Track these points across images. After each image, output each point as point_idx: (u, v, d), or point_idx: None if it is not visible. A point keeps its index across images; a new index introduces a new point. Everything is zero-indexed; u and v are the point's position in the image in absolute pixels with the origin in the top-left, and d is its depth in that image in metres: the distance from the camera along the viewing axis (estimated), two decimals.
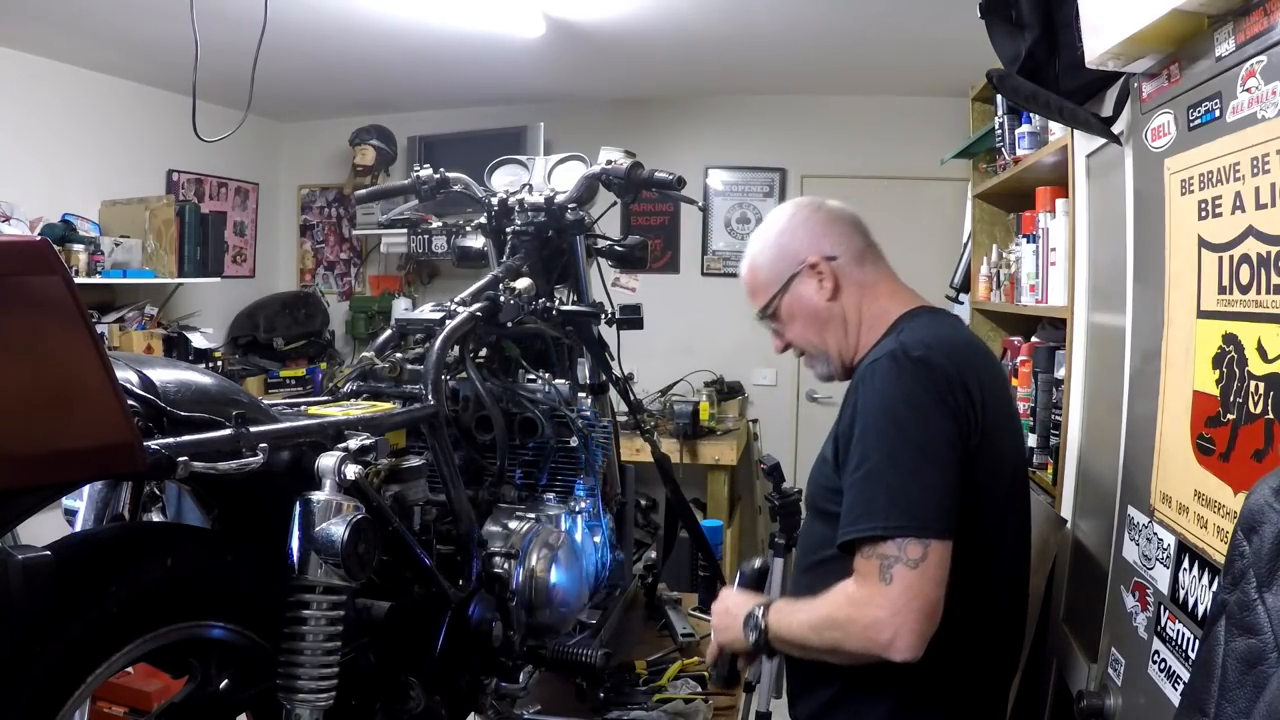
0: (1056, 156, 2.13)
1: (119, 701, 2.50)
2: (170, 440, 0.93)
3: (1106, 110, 1.62)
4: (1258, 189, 1.05)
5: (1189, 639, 1.18)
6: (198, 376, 1.08)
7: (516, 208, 1.95)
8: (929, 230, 4.50)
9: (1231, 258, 1.11)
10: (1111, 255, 1.66)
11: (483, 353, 1.82)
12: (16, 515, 0.82)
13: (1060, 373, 2.12)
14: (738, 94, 4.82)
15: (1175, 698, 1.20)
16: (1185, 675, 1.16)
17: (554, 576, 1.60)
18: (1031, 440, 2.29)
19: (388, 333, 1.65)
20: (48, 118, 3.84)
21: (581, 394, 1.95)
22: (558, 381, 1.82)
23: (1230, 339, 1.11)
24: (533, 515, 1.66)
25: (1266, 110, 1.03)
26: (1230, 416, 1.11)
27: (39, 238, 0.78)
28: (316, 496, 1.09)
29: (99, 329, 3.50)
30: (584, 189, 1.94)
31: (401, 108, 4.92)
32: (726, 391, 4.66)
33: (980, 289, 3.10)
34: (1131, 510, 1.42)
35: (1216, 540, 1.12)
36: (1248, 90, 1.07)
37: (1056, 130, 2.20)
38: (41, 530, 1.04)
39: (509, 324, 1.71)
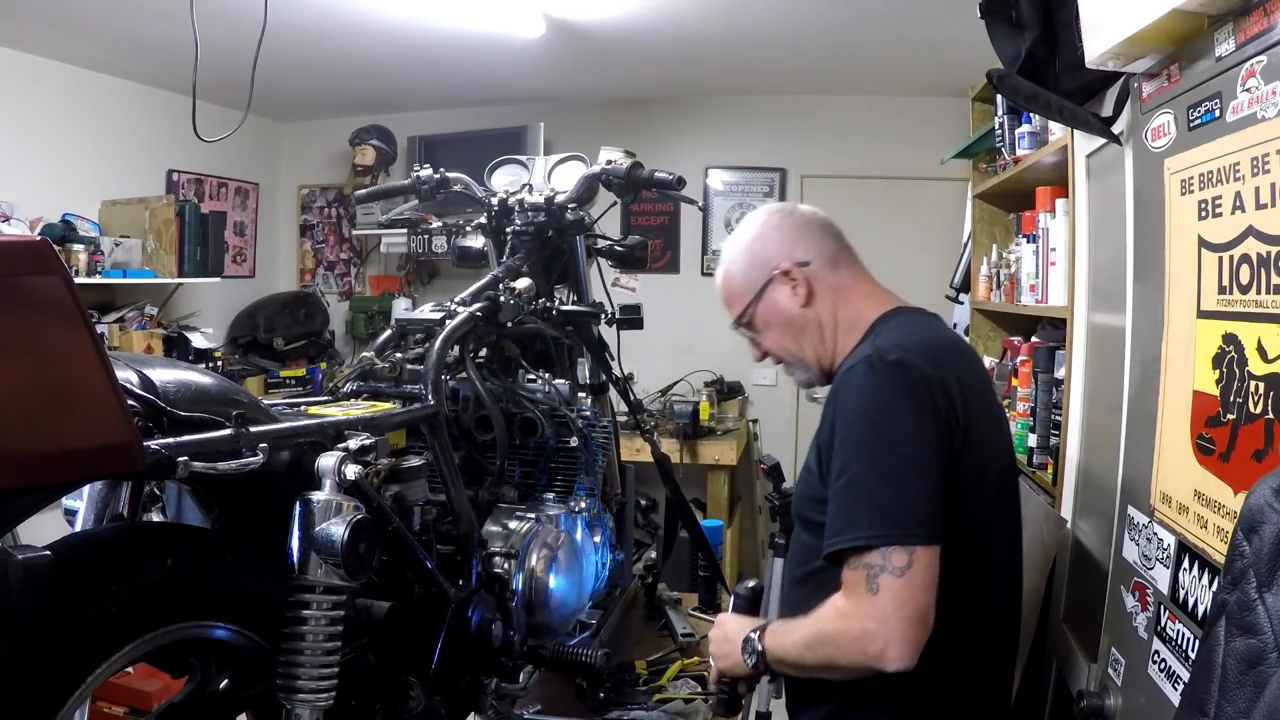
0: (1056, 156, 2.14)
1: (119, 701, 2.50)
2: (170, 440, 0.93)
3: (1106, 110, 1.62)
4: (1258, 189, 1.05)
5: (1189, 639, 1.18)
6: (198, 376, 1.08)
7: (516, 208, 1.95)
8: (929, 230, 4.51)
9: (1231, 258, 1.12)
10: (1111, 255, 1.66)
11: (483, 353, 1.82)
12: (16, 515, 0.82)
13: (1060, 373, 2.12)
14: (738, 94, 4.82)
15: (1175, 698, 1.20)
16: (1185, 675, 1.16)
17: (554, 577, 1.60)
18: (1031, 440, 2.29)
19: (388, 333, 1.65)
20: (48, 118, 3.84)
21: (581, 394, 1.95)
22: (558, 381, 1.82)
23: (1230, 339, 1.11)
24: (533, 515, 1.66)
25: (1266, 110, 1.03)
26: (1230, 416, 1.11)
27: (39, 238, 0.78)
28: (316, 496, 1.09)
29: (99, 329, 3.50)
30: (584, 189, 1.94)
31: (401, 108, 4.92)
32: (726, 391, 4.66)
33: (980, 289, 3.10)
34: (1131, 510, 1.42)
35: (1216, 540, 1.12)
36: (1248, 90, 1.07)
37: (1056, 130, 2.20)
38: (41, 530, 1.04)
39: (509, 324, 1.71)
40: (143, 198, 4.07)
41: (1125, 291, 1.52)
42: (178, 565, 0.98)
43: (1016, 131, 2.51)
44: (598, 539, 1.87)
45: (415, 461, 1.39)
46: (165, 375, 1.01)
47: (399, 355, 1.57)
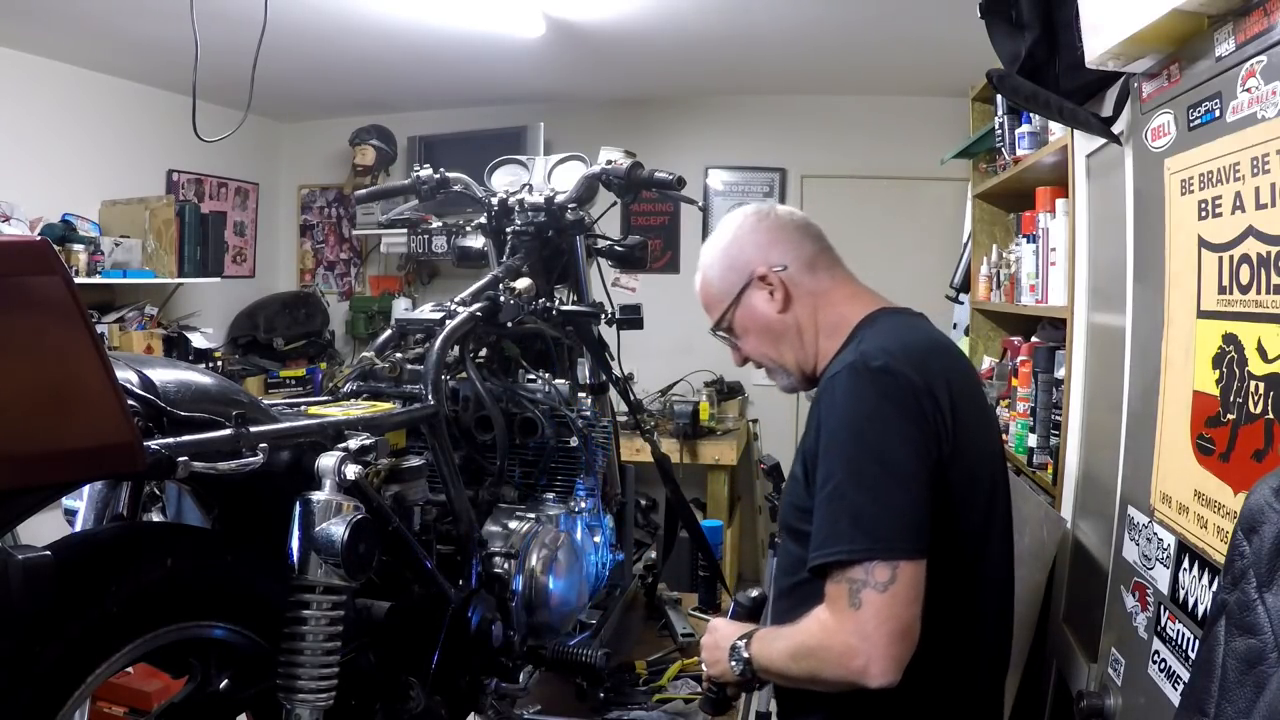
0: (1056, 156, 2.14)
1: (119, 701, 2.50)
2: (170, 440, 0.93)
3: (1106, 110, 1.62)
4: (1258, 189, 1.05)
5: (1189, 639, 1.18)
6: (198, 376, 1.08)
7: (516, 208, 1.95)
8: (929, 230, 4.50)
9: (1231, 258, 1.12)
10: (1111, 255, 1.66)
11: (483, 353, 1.82)
12: (16, 515, 0.82)
13: (1060, 373, 2.12)
14: (738, 94, 4.82)
15: (1175, 698, 1.20)
16: (1185, 675, 1.16)
17: (554, 577, 1.60)
18: (1031, 440, 2.29)
19: (388, 333, 1.65)
20: (48, 118, 3.84)
21: (581, 394, 1.95)
22: (558, 381, 1.82)
23: (1230, 339, 1.11)
24: (533, 515, 1.66)
25: (1266, 110, 1.03)
26: (1230, 416, 1.11)
27: (39, 238, 0.78)
28: (316, 496, 1.09)
29: (99, 329, 3.50)
30: (584, 189, 1.95)
31: (401, 108, 4.92)
32: (726, 391, 4.66)
33: (980, 289, 3.10)
34: (1131, 510, 1.42)
35: (1216, 540, 1.12)
36: (1248, 90, 1.07)
37: (1056, 130, 2.20)
38: (41, 530, 1.04)
39: (509, 324, 1.71)
40: (143, 198, 4.07)
41: (1125, 291, 1.52)
42: (178, 565, 0.98)
43: (1016, 131, 2.51)
44: (598, 539, 1.87)
45: (415, 461, 1.39)
46: (165, 375, 1.01)
47: (399, 355, 1.57)
